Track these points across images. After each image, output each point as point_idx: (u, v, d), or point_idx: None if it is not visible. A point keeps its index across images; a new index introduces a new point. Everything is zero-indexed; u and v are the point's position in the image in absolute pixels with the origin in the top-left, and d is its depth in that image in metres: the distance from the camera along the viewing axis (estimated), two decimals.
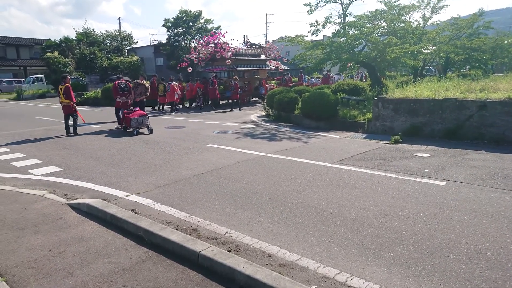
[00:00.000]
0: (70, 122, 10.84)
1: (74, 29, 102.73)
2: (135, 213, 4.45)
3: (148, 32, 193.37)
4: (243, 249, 3.54)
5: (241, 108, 18.45)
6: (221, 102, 20.11)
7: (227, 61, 20.07)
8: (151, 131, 10.82)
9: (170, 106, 18.01)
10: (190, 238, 3.60)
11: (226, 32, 45.36)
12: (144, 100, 12.58)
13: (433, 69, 29.70)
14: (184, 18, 40.10)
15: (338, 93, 13.61)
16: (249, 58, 22.24)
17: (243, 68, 21.52)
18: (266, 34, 64.22)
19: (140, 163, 7.12)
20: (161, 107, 18.45)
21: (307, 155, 7.52)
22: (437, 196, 4.90)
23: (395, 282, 2.94)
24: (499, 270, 3.07)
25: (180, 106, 19.84)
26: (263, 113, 15.82)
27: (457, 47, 18.29)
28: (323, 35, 24.55)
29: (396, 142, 8.76)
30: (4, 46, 44.65)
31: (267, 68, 23.62)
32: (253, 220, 4.25)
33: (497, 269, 3.08)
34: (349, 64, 15.37)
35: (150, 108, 18.23)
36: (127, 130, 11.05)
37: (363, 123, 10.62)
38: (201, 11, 41.00)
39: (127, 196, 5.18)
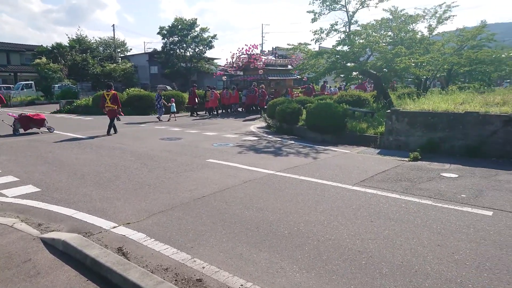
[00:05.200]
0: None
1: (67, 35, 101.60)
2: (123, 254, 3.53)
3: (142, 40, 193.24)
4: None
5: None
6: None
7: (259, 71, 22.03)
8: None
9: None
10: None
11: (260, 44, 46.11)
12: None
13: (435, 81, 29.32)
14: (180, 27, 39.44)
15: (341, 104, 12.86)
16: (278, 68, 24.51)
17: (274, 78, 23.65)
18: (262, 44, 63.45)
19: (131, 183, 6.19)
20: (212, 112, 20.38)
21: (321, 174, 6.67)
22: (490, 231, 4.06)
23: None
24: None
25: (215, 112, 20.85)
26: (263, 124, 15.01)
27: (463, 58, 17.76)
28: (320, 47, 24.18)
29: (415, 159, 7.97)
30: None
31: (293, 77, 25.23)
32: (274, 265, 3.36)
33: None
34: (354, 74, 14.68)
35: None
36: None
37: (374, 137, 9.83)
38: (196, 19, 40.38)
39: (114, 228, 4.25)
